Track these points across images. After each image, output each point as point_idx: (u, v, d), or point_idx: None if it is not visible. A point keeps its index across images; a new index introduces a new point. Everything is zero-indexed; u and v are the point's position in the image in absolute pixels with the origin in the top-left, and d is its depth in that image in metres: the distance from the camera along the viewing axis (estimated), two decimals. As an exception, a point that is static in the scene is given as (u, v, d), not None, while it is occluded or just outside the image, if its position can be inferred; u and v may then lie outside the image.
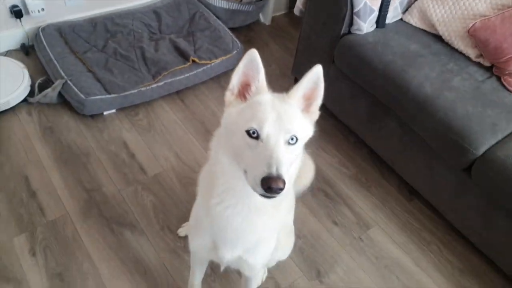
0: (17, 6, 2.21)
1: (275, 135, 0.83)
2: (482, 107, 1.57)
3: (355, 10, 1.76)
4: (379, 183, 1.99)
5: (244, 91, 0.92)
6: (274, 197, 0.81)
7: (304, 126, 0.91)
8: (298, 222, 1.77)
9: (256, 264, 1.15)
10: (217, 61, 2.26)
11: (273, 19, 2.82)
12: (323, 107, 2.37)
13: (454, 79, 1.66)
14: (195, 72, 2.21)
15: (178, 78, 2.17)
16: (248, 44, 2.62)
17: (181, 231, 1.68)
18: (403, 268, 1.69)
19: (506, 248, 1.59)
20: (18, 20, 2.26)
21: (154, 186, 1.85)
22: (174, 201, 1.80)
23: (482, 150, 1.51)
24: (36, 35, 2.28)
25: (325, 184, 1.95)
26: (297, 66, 2.25)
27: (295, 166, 0.95)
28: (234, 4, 2.52)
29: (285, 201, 1.08)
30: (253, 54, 0.88)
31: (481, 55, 1.76)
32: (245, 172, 0.85)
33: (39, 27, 2.29)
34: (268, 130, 0.83)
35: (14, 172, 1.83)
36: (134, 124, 2.09)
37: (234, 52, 2.33)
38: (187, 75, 2.19)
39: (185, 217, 1.67)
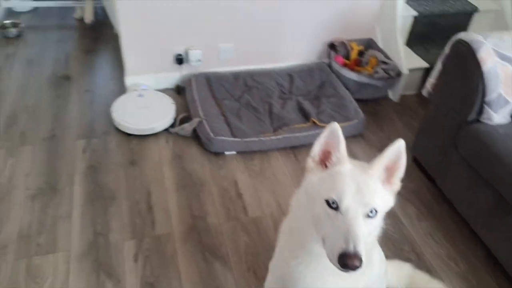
0: (180, 55, 2.68)
1: (355, 208, 0.84)
2: None
3: (487, 99, 1.69)
4: (492, 290, 1.75)
5: (325, 159, 0.95)
6: (349, 272, 0.82)
7: (384, 198, 0.92)
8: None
9: None
10: (337, 126, 2.35)
11: (402, 97, 2.84)
12: (438, 191, 2.25)
13: None
14: (313, 132, 2.33)
15: (296, 134, 2.31)
16: (372, 116, 2.67)
17: (266, 278, 1.72)
18: None
19: None
20: (178, 65, 2.73)
21: (252, 227, 1.94)
22: (266, 247, 1.85)
23: None
24: (189, 79, 2.71)
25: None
26: (417, 144, 2.20)
27: (374, 234, 0.94)
28: (365, 78, 2.63)
29: (369, 266, 1.05)
30: (334, 126, 0.92)
31: None
32: (323, 240, 0.87)
33: (193, 74, 2.72)
34: (347, 202, 0.84)
35: (142, 186, 2.12)
36: (248, 167, 2.27)
37: (355, 121, 2.41)
38: (305, 133, 2.32)
39: (272, 264, 1.71)
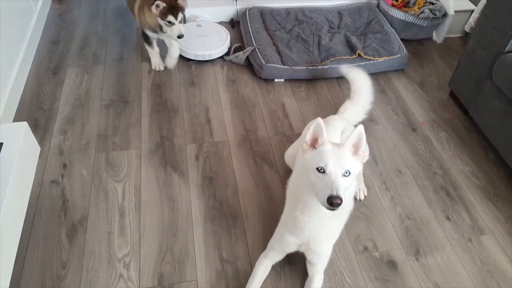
0: (237, -11, 2.89)
1: (335, 170, 1.21)
2: None
3: (527, 28, 1.82)
4: (508, 201, 1.96)
5: (314, 143, 1.32)
6: (335, 209, 1.19)
7: (354, 164, 1.26)
8: (411, 206, 1.91)
9: (321, 252, 1.53)
10: (380, 59, 2.53)
11: (446, 39, 2.94)
12: (470, 121, 2.46)
13: None
14: (357, 64, 2.50)
15: (341, 65, 2.50)
16: (414, 54, 2.82)
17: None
18: (509, 281, 1.67)
19: None
20: (234, 0, 2.93)
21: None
22: (309, 156, 2.12)
23: None
24: (243, 13, 2.92)
25: (450, 185, 2.02)
26: (455, 79, 2.35)
27: (350, 190, 1.31)
28: (411, 17, 2.74)
29: (344, 214, 1.45)
30: (319, 121, 1.27)
31: None
32: (316, 194, 1.24)
33: (247, 8, 2.92)
34: (330, 167, 1.21)
35: (201, 103, 2.42)
36: (295, 93, 2.51)
37: (398, 55, 2.57)
38: (350, 65, 2.49)
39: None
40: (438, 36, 2.91)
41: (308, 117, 2.35)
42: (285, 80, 2.58)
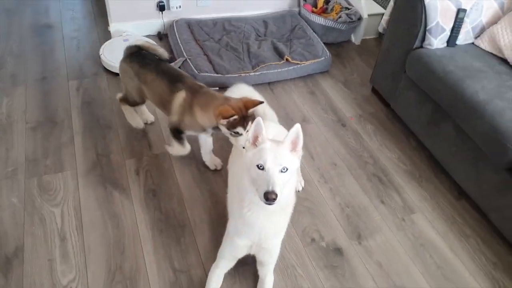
0: (162, 1, 2.89)
1: (273, 167, 1.29)
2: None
3: (428, 27, 2.06)
4: (431, 180, 2.18)
5: (255, 141, 1.38)
6: (271, 204, 1.28)
7: (292, 160, 1.35)
8: (348, 195, 2.05)
9: (272, 249, 1.59)
10: (307, 63, 2.69)
11: (363, 41, 3.20)
12: (392, 112, 2.66)
13: (509, 93, 1.84)
14: (286, 69, 2.64)
15: (272, 71, 2.62)
16: (336, 56, 3.02)
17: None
18: (438, 250, 1.85)
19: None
20: (160, 12, 2.93)
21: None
22: (250, 159, 2.18)
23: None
24: (170, 25, 2.93)
25: (380, 172, 2.20)
26: (375, 76, 2.57)
27: (290, 185, 1.39)
28: (330, 22, 2.95)
29: (288, 208, 1.52)
30: (259, 120, 1.34)
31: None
32: (257, 190, 1.31)
33: (174, 20, 2.94)
34: (268, 165, 1.29)
35: (136, 116, 2.38)
36: (230, 100, 2.56)
37: (322, 58, 2.74)
38: (279, 70, 2.63)
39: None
40: (356, 38, 3.15)
41: (245, 122, 2.41)
42: (219, 88, 2.63)
